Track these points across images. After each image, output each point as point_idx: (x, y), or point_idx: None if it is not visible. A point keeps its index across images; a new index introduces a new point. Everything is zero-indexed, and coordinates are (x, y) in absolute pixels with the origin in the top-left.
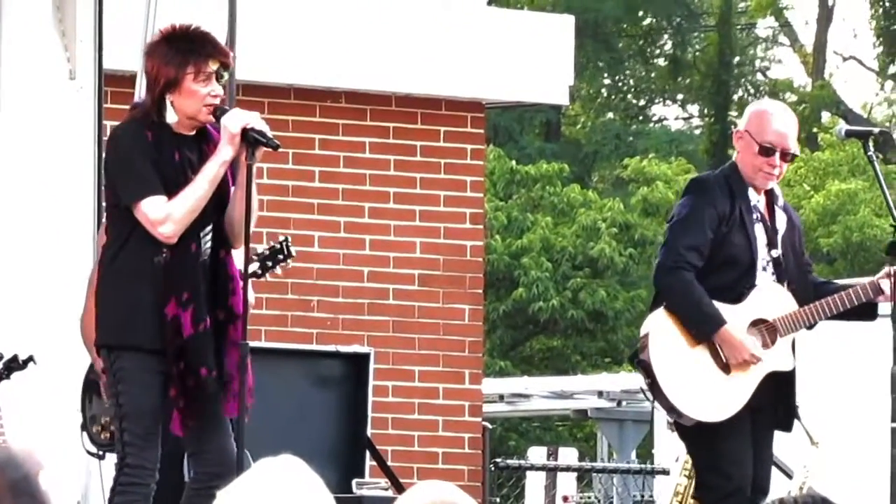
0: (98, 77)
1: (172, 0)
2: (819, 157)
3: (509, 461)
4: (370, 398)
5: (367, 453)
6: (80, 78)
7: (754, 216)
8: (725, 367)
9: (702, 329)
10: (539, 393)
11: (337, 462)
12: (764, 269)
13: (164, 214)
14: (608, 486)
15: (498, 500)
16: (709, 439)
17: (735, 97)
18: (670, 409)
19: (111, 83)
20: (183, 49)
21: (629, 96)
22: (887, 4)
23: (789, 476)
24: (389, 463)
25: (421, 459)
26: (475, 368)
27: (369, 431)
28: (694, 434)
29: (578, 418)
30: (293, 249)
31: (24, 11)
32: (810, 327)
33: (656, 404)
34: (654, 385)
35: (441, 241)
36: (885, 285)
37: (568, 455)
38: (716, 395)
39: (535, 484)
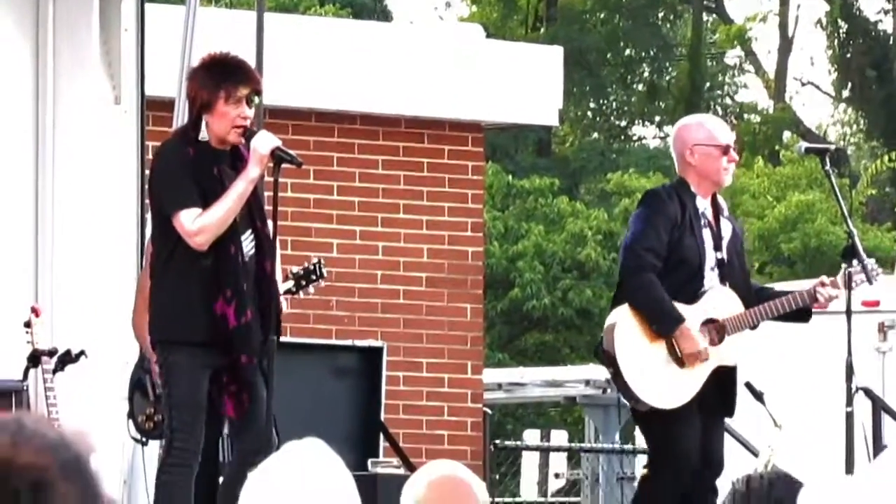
0: (140, 102)
1: (207, 32)
2: (781, 172)
3: (507, 443)
4: (383, 387)
5: (381, 436)
6: (125, 103)
7: (702, 222)
8: (680, 361)
9: (663, 326)
10: (533, 382)
11: (354, 444)
12: (712, 269)
13: (198, 227)
14: (595, 465)
15: (497, 477)
16: (661, 424)
17: None
18: (629, 395)
19: (152, 108)
20: (217, 74)
21: (612, 118)
22: (842, 35)
23: (755, 455)
24: (401, 444)
25: (429, 441)
26: (476, 360)
27: (383, 416)
28: (648, 419)
29: (568, 404)
30: (325, 270)
31: (74, 44)
32: (753, 327)
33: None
34: (616, 373)
35: (446, 248)
36: (820, 294)
37: (559, 437)
38: (671, 385)
39: (530, 463)
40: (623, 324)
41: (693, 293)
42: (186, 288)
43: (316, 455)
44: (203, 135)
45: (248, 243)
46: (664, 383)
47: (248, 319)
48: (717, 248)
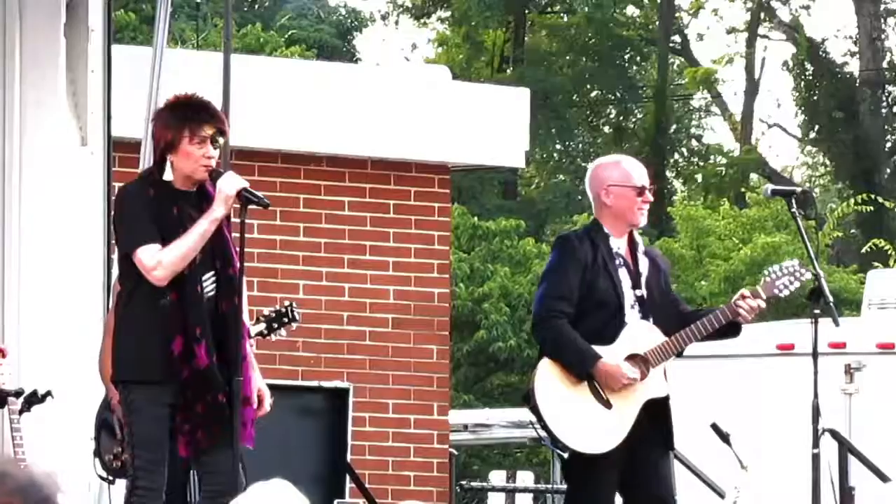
0: (107, 143)
1: (174, 73)
2: (747, 214)
3: (473, 483)
4: (350, 428)
5: (348, 477)
6: (91, 144)
7: (617, 262)
8: (606, 403)
9: (580, 366)
10: (499, 423)
11: (321, 484)
12: (632, 307)
13: (156, 261)
14: None
15: None
16: (578, 470)
17: (671, 161)
18: (558, 444)
19: (119, 149)
20: (180, 115)
21: (578, 160)
22: (808, 77)
23: (722, 496)
24: (367, 485)
25: (395, 482)
26: (442, 401)
27: (349, 457)
28: (567, 464)
29: (534, 445)
30: (297, 314)
31: (41, 85)
32: (679, 354)
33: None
34: (542, 423)
35: (412, 289)
36: (741, 307)
37: (525, 478)
38: (599, 429)
39: None
40: (544, 373)
41: (614, 333)
42: (146, 327)
43: (283, 495)
44: (167, 175)
45: (208, 284)
46: (591, 428)
47: (216, 359)
48: (636, 285)
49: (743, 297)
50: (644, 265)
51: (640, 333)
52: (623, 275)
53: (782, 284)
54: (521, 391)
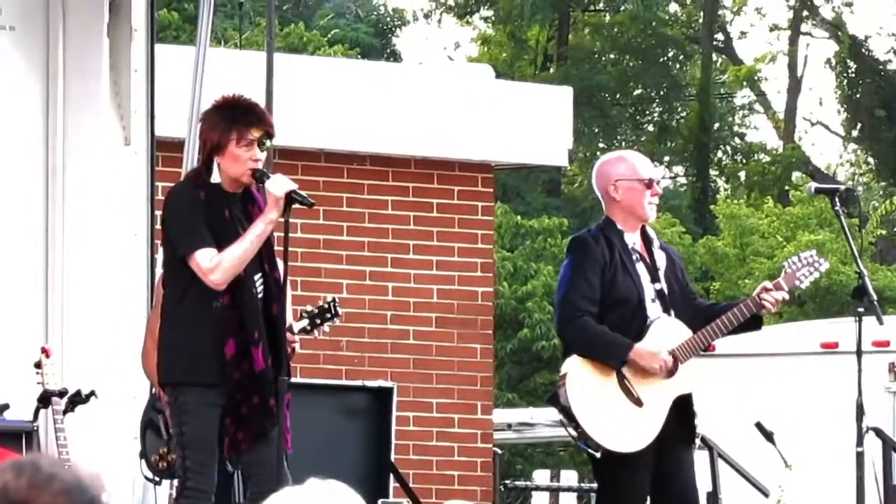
0: (150, 143)
1: (217, 73)
2: (790, 212)
3: (517, 483)
4: (393, 427)
5: (392, 476)
6: (135, 144)
7: (634, 257)
8: (637, 401)
9: (614, 355)
10: (543, 422)
11: (364, 484)
12: (653, 301)
13: (215, 264)
14: None
15: None
16: (610, 469)
17: (715, 159)
18: (590, 443)
19: (162, 148)
20: (228, 117)
21: None
22: (851, 75)
23: (766, 495)
24: (411, 485)
25: (439, 481)
26: (486, 400)
27: (393, 457)
28: (599, 464)
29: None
30: (339, 309)
31: (85, 85)
32: (705, 349)
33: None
34: (574, 424)
35: (455, 288)
36: (765, 300)
37: (569, 477)
38: (630, 428)
39: (540, 503)
40: (574, 373)
41: (639, 329)
42: (197, 330)
43: (342, 493)
44: (214, 177)
45: (259, 286)
46: (624, 426)
47: (272, 361)
48: (654, 279)
49: (766, 289)
50: (661, 259)
51: (667, 329)
52: (641, 269)
53: (802, 275)
54: (551, 391)
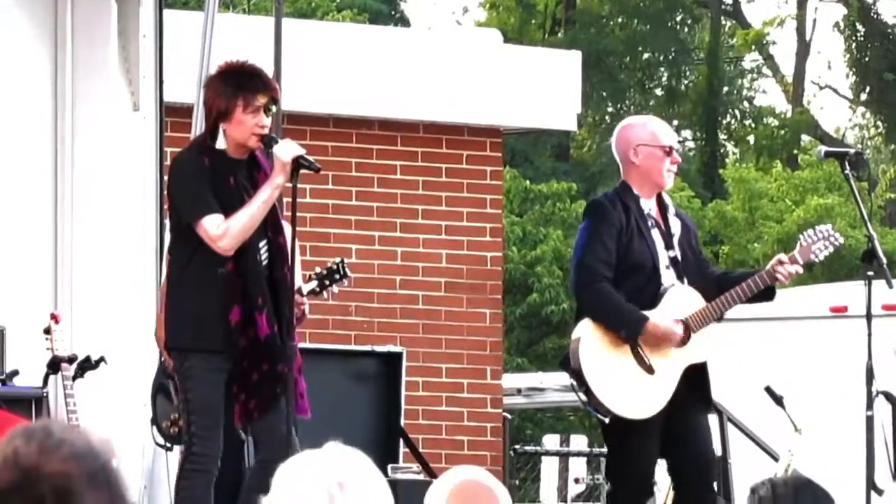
0: (159, 108)
1: (225, 38)
2: (799, 176)
3: (527, 447)
4: (403, 392)
5: (401, 441)
6: (143, 109)
7: (649, 223)
8: (649, 368)
9: (629, 328)
10: (552, 387)
11: (374, 449)
12: (667, 268)
13: (223, 230)
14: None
15: (517, 482)
16: (619, 436)
17: (723, 123)
18: (600, 408)
19: (170, 114)
20: (234, 83)
21: None
22: (860, 39)
23: (776, 459)
24: (421, 450)
25: (448, 447)
26: (495, 365)
27: (402, 422)
28: (608, 430)
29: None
30: (348, 270)
31: (92, 50)
32: (719, 319)
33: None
34: (585, 388)
35: (464, 253)
36: (779, 272)
37: (579, 441)
38: (641, 395)
39: (549, 468)
40: (587, 338)
41: (653, 295)
42: (203, 296)
43: (353, 455)
44: (220, 143)
45: (263, 252)
46: (634, 393)
47: (277, 328)
48: (669, 246)
49: (780, 262)
50: (676, 226)
51: (681, 297)
52: (656, 236)
53: (818, 249)
54: (563, 354)
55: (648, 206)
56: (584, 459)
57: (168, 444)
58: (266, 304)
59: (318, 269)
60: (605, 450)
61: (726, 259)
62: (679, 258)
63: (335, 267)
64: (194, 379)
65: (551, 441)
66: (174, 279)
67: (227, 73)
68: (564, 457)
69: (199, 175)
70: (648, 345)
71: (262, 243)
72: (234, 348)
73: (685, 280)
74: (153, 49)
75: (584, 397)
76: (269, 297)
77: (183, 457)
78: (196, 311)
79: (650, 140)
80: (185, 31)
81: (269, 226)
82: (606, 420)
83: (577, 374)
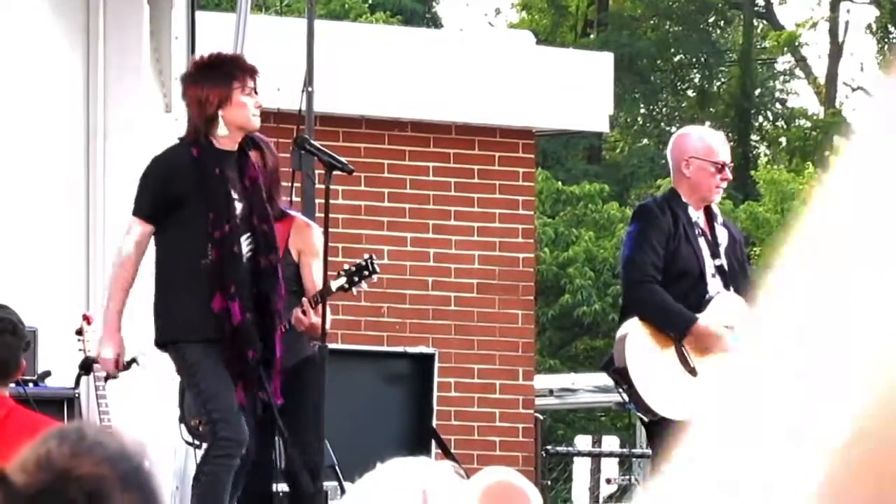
0: None
1: (257, 40)
2: None
3: (559, 448)
4: (435, 393)
5: (433, 442)
6: (176, 111)
7: (696, 231)
8: (692, 371)
9: (679, 327)
10: (584, 387)
11: (406, 450)
12: (713, 276)
13: (130, 242)
14: (646, 470)
15: (549, 482)
16: (663, 437)
17: (756, 125)
18: (642, 406)
19: None
20: (226, 71)
21: (662, 124)
22: (892, 40)
23: None
24: (453, 451)
25: (480, 447)
26: (527, 366)
27: (434, 423)
28: (653, 429)
29: (619, 410)
30: (377, 266)
31: (125, 53)
32: None
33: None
34: (628, 385)
35: (496, 254)
36: None
37: (611, 442)
38: (683, 396)
39: (581, 468)
40: (634, 335)
41: (698, 302)
42: (189, 287)
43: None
44: (222, 130)
45: (246, 245)
46: (676, 393)
47: (251, 316)
48: (715, 255)
49: None
50: (722, 235)
51: (728, 303)
52: (702, 244)
53: None
54: (607, 355)
55: (696, 215)
56: (616, 460)
57: (196, 442)
58: (239, 293)
59: (346, 266)
60: (636, 450)
61: (758, 261)
62: (725, 267)
63: (364, 263)
64: (198, 367)
65: (583, 442)
66: (159, 273)
67: (212, 64)
68: (596, 457)
69: (161, 176)
70: (694, 347)
71: (246, 237)
72: (224, 335)
73: (731, 289)
74: (185, 50)
75: (625, 395)
76: (247, 284)
77: (210, 444)
78: (186, 303)
79: (704, 154)
80: (217, 32)
81: (255, 214)
82: (646, 419)
83: (621, 372)
